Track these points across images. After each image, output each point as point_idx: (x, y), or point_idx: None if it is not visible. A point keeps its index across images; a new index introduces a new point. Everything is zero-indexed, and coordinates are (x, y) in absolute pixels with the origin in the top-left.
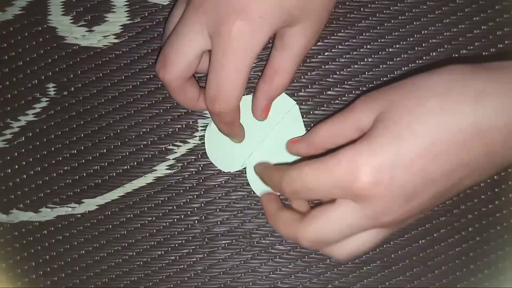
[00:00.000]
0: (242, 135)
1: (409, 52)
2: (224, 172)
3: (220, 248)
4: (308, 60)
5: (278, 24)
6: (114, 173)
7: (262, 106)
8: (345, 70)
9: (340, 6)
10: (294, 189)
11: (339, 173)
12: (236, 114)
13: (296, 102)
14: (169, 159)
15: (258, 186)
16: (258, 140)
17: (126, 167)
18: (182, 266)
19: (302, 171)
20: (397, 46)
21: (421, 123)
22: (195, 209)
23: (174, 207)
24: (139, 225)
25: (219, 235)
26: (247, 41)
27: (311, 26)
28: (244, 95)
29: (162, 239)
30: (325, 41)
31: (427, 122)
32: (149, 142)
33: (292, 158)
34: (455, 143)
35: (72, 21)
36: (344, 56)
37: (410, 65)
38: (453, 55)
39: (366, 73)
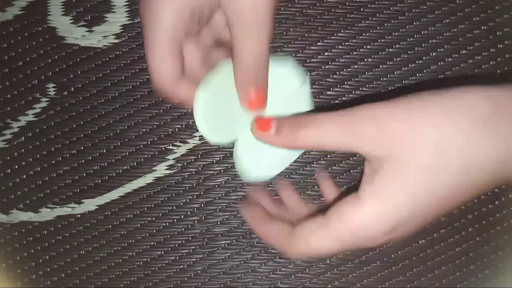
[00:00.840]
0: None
1: (409, 52)
2: (223, 172)
3: (220, 248)
4: (308, 60)
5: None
6: (113, 173)
7: (244, 95)
8: (345, 70)
9: (340, 7)
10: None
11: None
12: (174, 91)
13: (307, 79)
14: (169, 159)
15: (247, 162)
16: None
17: (125, 167)
18: (182, 266)
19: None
20: (397, 46)
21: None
22: (195, 209)
23: (174, 207)
24: (139, 225)
25: (219, 235)
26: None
27: None
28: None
29: (162, 239)
30: (325, 41)
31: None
32: (148, 142)
33: None
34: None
35: (72, 21)
36: (344, 56)
37: (410, 65)
38: (453, 55)
39: (366, 73)
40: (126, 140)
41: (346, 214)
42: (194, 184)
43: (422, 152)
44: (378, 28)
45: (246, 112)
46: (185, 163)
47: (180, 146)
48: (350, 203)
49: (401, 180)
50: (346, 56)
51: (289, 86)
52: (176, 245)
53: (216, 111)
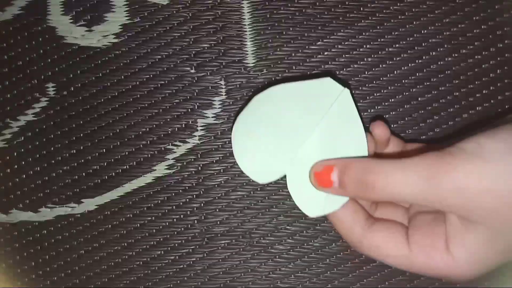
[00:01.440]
0: None
1: (408, 51)
2: (223, 171)
3: (219, 248)
4: (308, 60)
5: None
6: (113, 173)
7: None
8: (344, 69)
9: (339, 6)
10: None
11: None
12: None
13: (346, 87)
14: (169, 159)
15: (302, 198)
16: (299, 140)
17: (125, 167)
18: (181, 266)
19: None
20: (396, 45)
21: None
22: (195, 209)
23: (174, 207)
24: (138, 225)
25: (219, 235)
26: None
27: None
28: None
29: (161, 239)
30: (325, 40)
31: None
32: (148, 142)
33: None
34: None
35: (71, 21)
36: (343, 55)
37: (410, 65)
38: (453, 55)
39: (366, 72)
40: (126, 139)
41: (434, 262)
42: (194, 184)
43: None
44: (378, 27)
45: (290, 146)
46: (184, 163)
47: (179, 145)
48: (439, 252)
49: (491, 245)
50: (346, 55)
51: (330, 104)
52: (176, 244)
53: (256, 149)
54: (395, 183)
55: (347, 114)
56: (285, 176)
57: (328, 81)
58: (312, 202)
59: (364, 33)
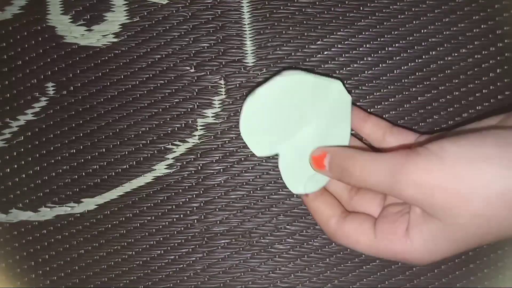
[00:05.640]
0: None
1: (408, 51)
2: (223, 171)
3: (219, 247)
4: (307, 59)
5: None
6: (113, 173)
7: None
8: (344, 69)
9: (339, 5)
10: None
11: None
12: None
13: (352, 99)
14: (168, 159)
15: (289, 177)
16: (298, 127)
17: (125, 167)
18: (181, 266)
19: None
20: (396, 45)
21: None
22: (195, 208)
23: (173, 206)
24: (138, 224)
25: (219, 235)
26: None
27: None
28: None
29: (161, 239)
30: (324, 40)
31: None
32: (148, 141)
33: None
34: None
35: (71, 20)
36: (343, 55)
37: (409, 64)
38: (453, 54)
39: (366, 72)
40: (126, 139)
41: (395, 249)
42: (194, 183)
43: (466, 216)
44: (377, 27)
45: (289, 127)
46: (184, 162)
47: (179, 145)
48: (400, 240)
49: (447, 235)
50: (346, 55)
51: (332, 104)
52: (176, 244)
53: (260, 124)
54: (369, 172)
55: (343, 117)
56: (284, 162)
57: (338, 85)
58: (297, 181)
59: (364, 33)
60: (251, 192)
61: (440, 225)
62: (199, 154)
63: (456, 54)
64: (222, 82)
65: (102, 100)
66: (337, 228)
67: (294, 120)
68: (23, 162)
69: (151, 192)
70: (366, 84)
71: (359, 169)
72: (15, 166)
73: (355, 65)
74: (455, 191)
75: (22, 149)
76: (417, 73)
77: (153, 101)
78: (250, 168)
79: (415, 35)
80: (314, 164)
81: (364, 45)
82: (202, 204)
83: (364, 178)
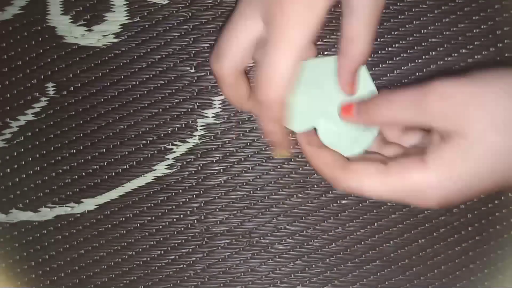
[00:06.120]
0: (287, 145)
1: (408, 51)
2: (223, 171)
3: (219, 247)
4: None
5: None
6: (113, 173)
7: (344, 81)
8: None
9: (339, 5)
10: None
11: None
12: (282, 110)
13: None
14: (168, 159)
15: (332, 144)
16: (330, 102)
17: (125, 167)
18: (181, 266)
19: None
20: (396, 45)
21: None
22: (195, 208)
23: (174, 206)
24: (138, 224)
25: (219, 235)
26: (301, 15)
27: None
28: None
29: (161, 239)
30: (325, 40)
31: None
32: (148, 141)
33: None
34: None
35: (71, 20)
36: None
37: (409, 64)
38: (453, 54)
39: None
40: (126, 139)
41: (409, 172)
42: (194, 184)
43: (490, 132)
44: (377, 27)
45: (323, 105)
46: (184, 163)
47: (179, 145)
48: (415, 163)
49: (467, 157)
50: None
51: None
52: (176, 244)
53: (296, 104)
54: (395, 101)
55: (364, 83)
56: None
57: (363, 71)
58: (341, 146)
59: None
60: (251, 192)
61: (463, 144)
62: (199, 154)
63: (456, 54)
64: None
65: (102, 100)
66: (344, 167)
67: (327, 96)
68: (23, 162)
69: (151, 192)
70: None
71: (385, 102)
72: (15, 166)
73: None
74: (484, 105)
75: (22, 149)
76: (417, 74)
77: (153, 101)
78: (250, 168)
79: (415, 35)
80: (343, 111)
81: None
82: (202, 204)
83: (391, 107)
